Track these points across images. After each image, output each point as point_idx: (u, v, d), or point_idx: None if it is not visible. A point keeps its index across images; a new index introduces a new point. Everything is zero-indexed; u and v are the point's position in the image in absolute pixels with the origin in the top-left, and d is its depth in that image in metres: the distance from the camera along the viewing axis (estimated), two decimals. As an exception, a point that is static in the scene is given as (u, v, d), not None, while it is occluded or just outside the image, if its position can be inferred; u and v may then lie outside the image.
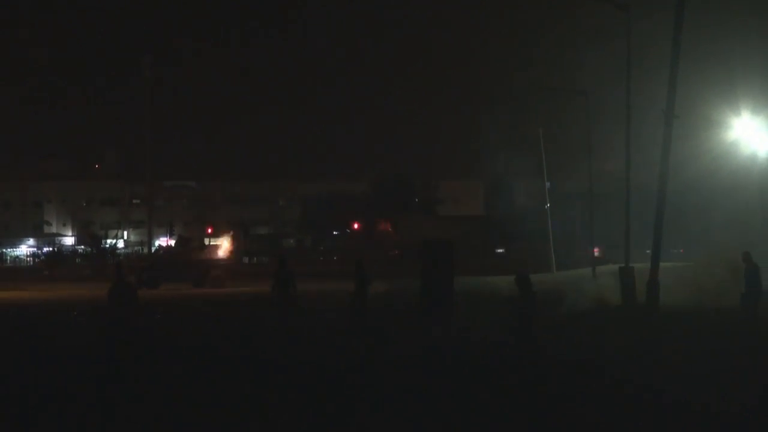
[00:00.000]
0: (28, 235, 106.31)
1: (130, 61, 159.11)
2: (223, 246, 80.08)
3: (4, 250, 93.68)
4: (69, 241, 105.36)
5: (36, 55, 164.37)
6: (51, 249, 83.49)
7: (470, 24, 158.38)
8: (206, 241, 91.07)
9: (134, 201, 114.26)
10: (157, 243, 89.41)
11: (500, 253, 72.98)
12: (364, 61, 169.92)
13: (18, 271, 71.15)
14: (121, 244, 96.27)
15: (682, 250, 49.13)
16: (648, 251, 24.75)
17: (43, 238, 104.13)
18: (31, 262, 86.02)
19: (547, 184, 56.94)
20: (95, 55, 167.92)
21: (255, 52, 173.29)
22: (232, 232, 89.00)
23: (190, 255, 47.65)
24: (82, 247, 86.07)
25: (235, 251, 79.11)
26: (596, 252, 42.94)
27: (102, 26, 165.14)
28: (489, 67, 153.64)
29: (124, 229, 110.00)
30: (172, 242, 79.83)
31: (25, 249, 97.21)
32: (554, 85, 58.40)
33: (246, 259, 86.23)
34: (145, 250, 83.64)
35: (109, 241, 74.55)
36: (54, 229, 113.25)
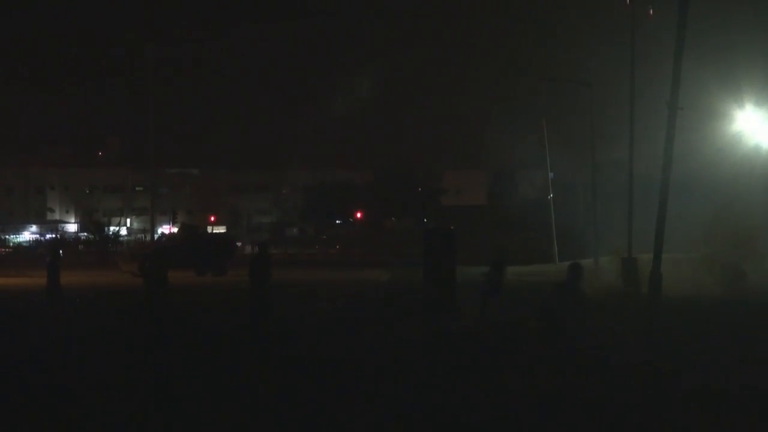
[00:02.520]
0: (30, 222, 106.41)
1: (134, 46, 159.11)
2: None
3: (6, 236, 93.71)
4: (72, 228, 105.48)
5: (38, 40, 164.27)
6: (54, 236, 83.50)
7: (475, 13, 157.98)
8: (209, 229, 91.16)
9: (137, 188, 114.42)
10: (159, 230, 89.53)
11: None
12: (367, 50, 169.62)
13: (20, 257, 71.18)
14: (124, 231, 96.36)
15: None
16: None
17: (46, 224, 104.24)
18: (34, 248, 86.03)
19: (551, 175, 56.93)
20: (98, 40, 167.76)
21: (257, 41, 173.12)
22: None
23: (193, 242, 47.50)
24: (85, 234, 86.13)
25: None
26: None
27: (105, 11, 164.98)
28: (495, 57, 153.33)
29: (127, 217, 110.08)
30: (175, 230, 79.86)
31: (27, 235, 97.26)
32: (561, 76, 58.29)
33: (249, 248, 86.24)
34: (148, 238, 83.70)
35: (112, 228, 74.50)
36: (57, 216, 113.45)
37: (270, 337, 18.47)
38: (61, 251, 26.73)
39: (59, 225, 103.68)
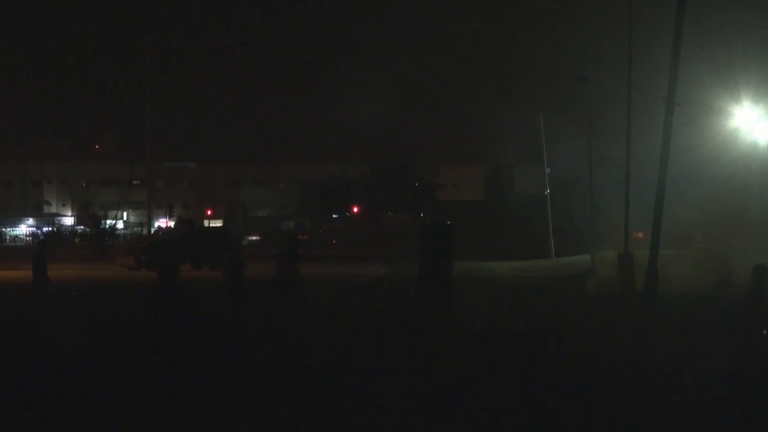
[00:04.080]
0: (27, 215, 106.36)
1: (132, 41, 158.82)
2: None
3: (3, 229, 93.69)
4: (69, 221, 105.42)
5: (36, 35, 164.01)
6: (50, 229, 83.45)
7: (472, 8, 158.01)
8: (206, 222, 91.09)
9: (134, 182, 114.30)
10: (156, 224, 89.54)
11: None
12: (366, 44, 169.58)
13: (17, 250, 71.14)
14: (120, 225, 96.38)
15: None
16: None
17: (43, 217, 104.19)
18: (30, 242, 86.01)
19: (548, 170, 56.89)
20: (97, 35, 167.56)
21: (255, 35, 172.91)
22: None
23: (190, 236, 47.40)
24: (82, 227, 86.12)
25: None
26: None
27: (104, 6, 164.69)
28: (492, 52, 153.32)
29: (123, 210, 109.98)
30: (172, 223, 79.84)
31: (24, 228, 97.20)
32: (559, 71, 58.26)
33: (245, 241, 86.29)
34: (145, 231, 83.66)
35: (108, 221, 74.42)
36: (54, 209, 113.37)
37: (263, 331, 18.51)
38: (47, 244, 26.64)
39: (56, 218, 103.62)
